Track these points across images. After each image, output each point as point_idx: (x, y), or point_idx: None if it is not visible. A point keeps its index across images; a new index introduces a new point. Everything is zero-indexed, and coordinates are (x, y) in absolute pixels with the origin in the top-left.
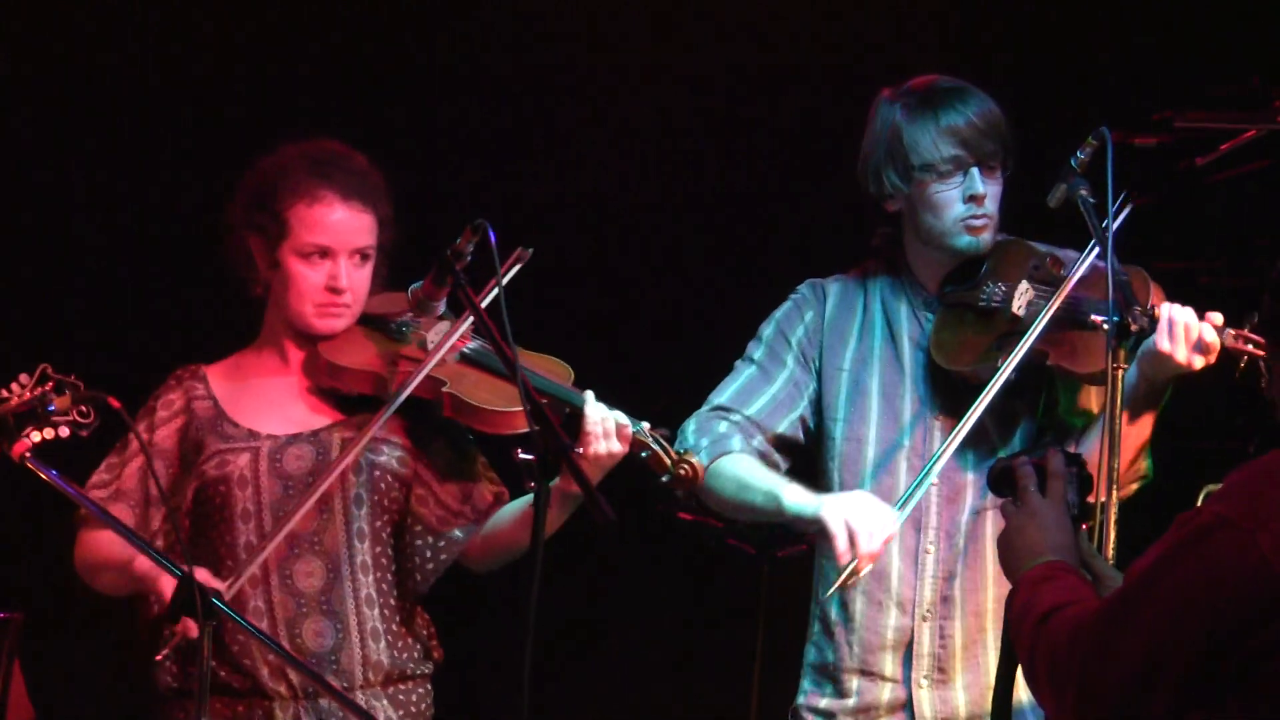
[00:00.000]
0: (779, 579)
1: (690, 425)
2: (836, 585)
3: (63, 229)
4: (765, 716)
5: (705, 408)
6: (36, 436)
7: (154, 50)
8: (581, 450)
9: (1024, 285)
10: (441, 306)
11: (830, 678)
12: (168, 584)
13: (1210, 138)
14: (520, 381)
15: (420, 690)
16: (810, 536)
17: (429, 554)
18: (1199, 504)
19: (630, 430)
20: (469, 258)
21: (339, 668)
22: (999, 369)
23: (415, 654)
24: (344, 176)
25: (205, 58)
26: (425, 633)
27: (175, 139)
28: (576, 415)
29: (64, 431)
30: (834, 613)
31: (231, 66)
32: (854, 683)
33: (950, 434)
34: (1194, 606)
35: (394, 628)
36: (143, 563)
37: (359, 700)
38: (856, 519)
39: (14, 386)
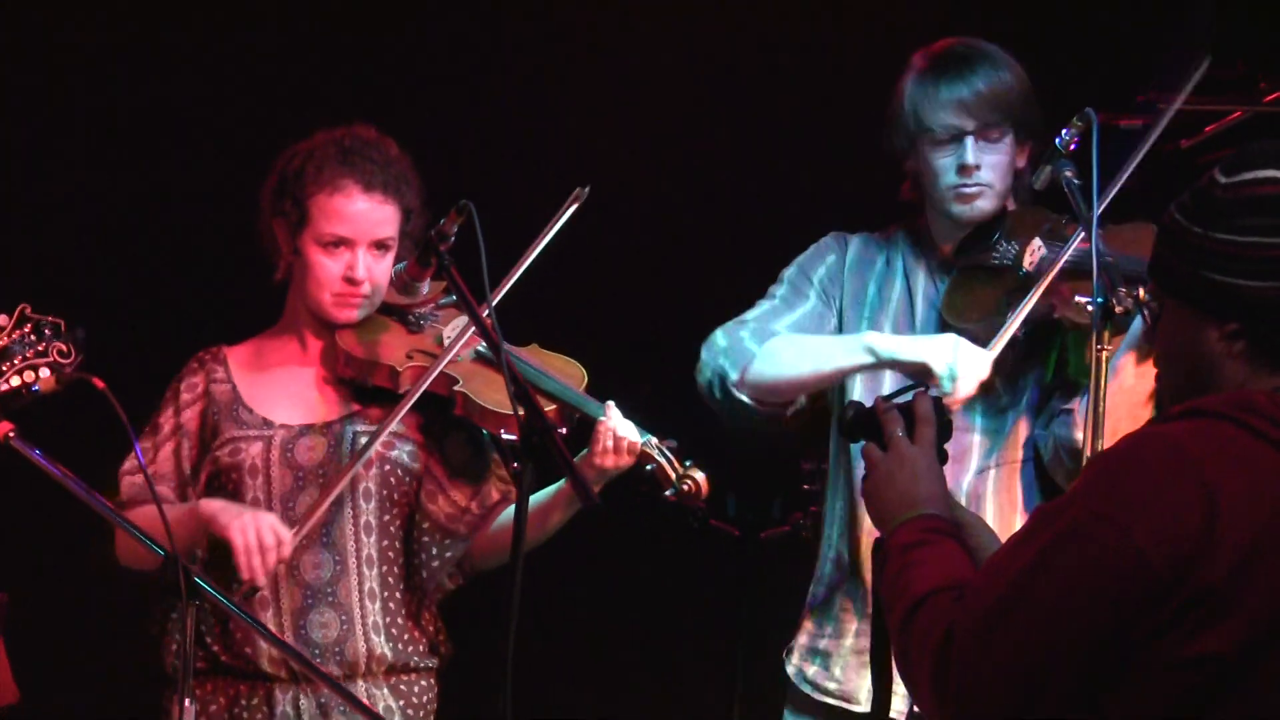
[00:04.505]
0: (763, 560)
1: (717, 335)
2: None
3: (95, 208)
4: (749, 697)
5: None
6: (16, 380)
7: (193, 26)
8: (582, 461)
9: (1036, 242)
10: (426, 287)
11: (832, 618)
12: (227, 515)
13: (1195, 120)
14: (504, 363)
15: (423, 683)
16: (793, 516)
17: (435, 550)
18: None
19: (639, 443)
20: (453, 239)
21: (343, 658)
22: (1006, 319)
23: (420, 648)
24: (368, 166)
25: (246, 36)
26: (433, 628)
27: (212, 121)
28: (587, 422)
29: (45, 373)
30: (846, 554)
31: (272, 46)
32: (853, 625)
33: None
34: (1074, 610)
35: (399, 621)
36: (207, 508)
37: (359, 687)
38: (960, 362)
39: None
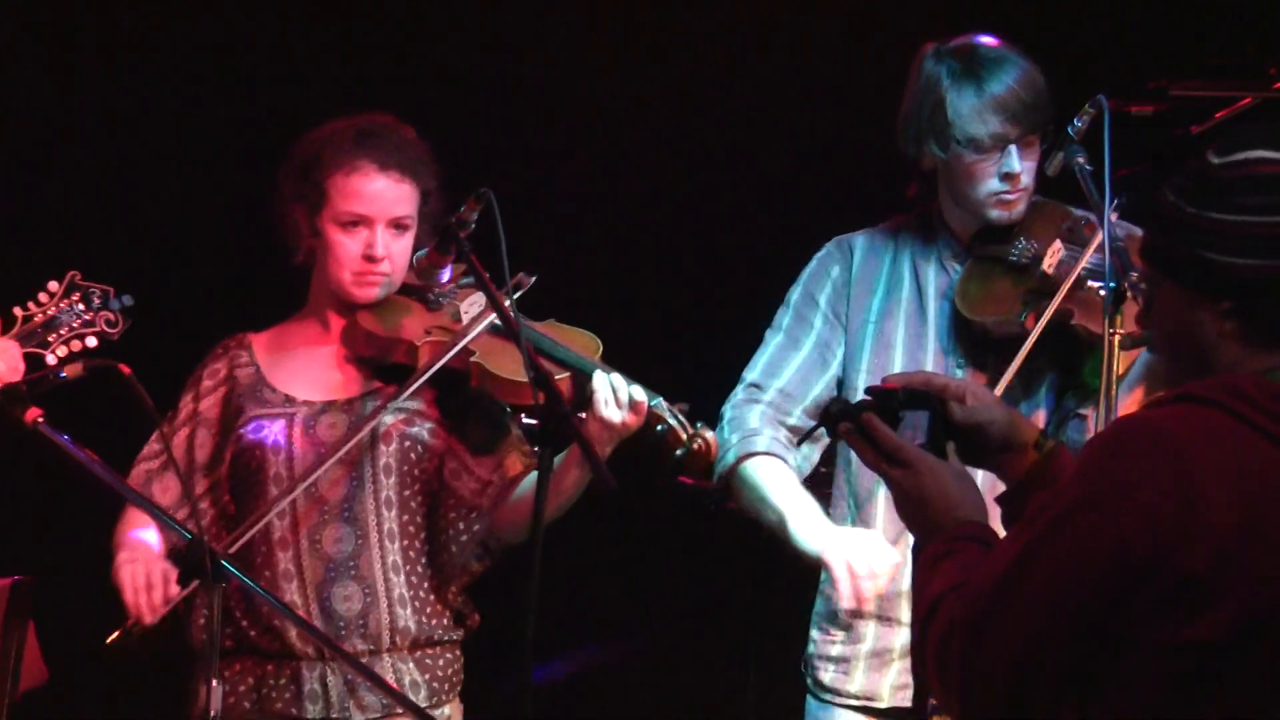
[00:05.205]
0: (777, 543)
1: (726, 414)
2: (846, 614)
3: (132, 197)
4: (763, 679)
5: (740, 386)
6: (63, 350)
7: (232, 17)
8: (585, 416)
9: (1056, 244)
10: (447, 273)
11: (843, 626)
12: (123, 573)
13: (1205, 106)
14: (523, 347)
15: (448, 655)
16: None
17: (462, 525)
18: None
19: (647, 404)
20: (473, 226)
21: (367, 631)
22: (1027, 327)
23: (445, 621)
24: (383, 147)
25: (277, 26)
26: (458, 600)
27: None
28: (588, 383)
29: (91, 341)
30: None
31: (301, 36)
32: (869, 628)
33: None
34: (1063, 597)
35: (422, 594)
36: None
37: (385, 663)
38: (858, 562)
39: (42, 297)
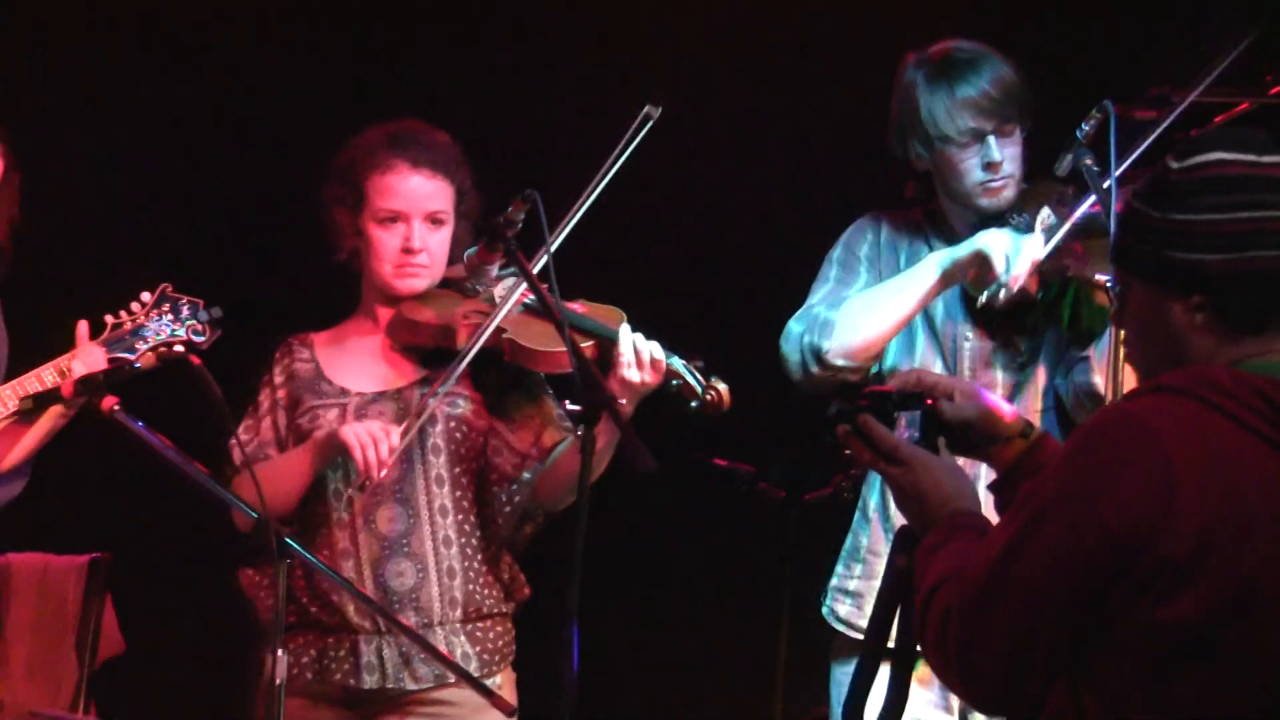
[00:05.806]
0: (806, 520)
1: (792, 324)
2: (986, 298)
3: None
4: (793, 662)
5: (800, 311)
6: (151, 356)
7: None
8: (614, 379)
9: (1045, 210)
10: (495, 271)
11: (861, 560)
12: (347, 433)
13: (1204, 111)
14: (569, 342)
15: (499, 629)
16: (834, 479)
17: (505, 499)
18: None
19: (664, 361)
20: (519, 225)
21: (419, 604)
22: (1030, 291)
23: (495, 593)
24: (416, 148)
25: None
26: (507, 575)
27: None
28: (612, 348)
29: (179, 348)
30: (874, 500)
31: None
32: (884, 565)
33: (982, 351)
34: (1050, 584)
35: (475, 566)
36: (318, 434)
37: (438, 635)
38: (1013, 246)
39: (135, 306)
